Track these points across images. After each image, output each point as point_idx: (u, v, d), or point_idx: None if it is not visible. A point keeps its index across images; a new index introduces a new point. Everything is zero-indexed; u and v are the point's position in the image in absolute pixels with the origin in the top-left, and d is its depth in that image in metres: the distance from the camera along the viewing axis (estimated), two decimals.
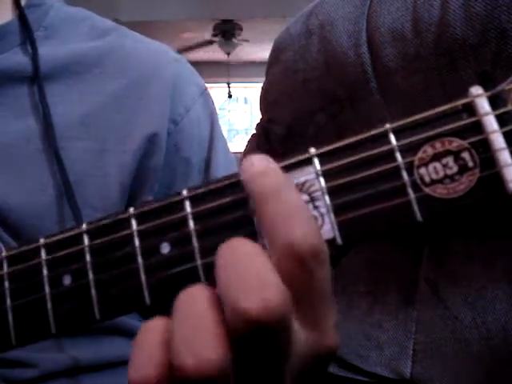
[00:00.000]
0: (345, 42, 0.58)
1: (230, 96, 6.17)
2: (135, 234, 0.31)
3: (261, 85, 0.74)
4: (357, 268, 0.62)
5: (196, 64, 0.66)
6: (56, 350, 0.53)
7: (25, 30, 0.57)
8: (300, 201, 0.28)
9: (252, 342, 0.26)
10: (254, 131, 0.78)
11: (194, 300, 0.27)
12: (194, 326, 0.26)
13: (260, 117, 0.75)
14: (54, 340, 0.53)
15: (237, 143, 6.08)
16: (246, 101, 6.61)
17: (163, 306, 0.31)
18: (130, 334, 0.57)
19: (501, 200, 0.27)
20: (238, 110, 6.60)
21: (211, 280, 0.28)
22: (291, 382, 0.28)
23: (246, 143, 0.81)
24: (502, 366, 0.50)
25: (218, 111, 0.68)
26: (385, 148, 0.29)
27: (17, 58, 0.56)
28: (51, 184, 0.53)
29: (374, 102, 0.56)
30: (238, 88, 6.34)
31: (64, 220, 0.53)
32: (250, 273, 0.26)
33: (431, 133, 0.29)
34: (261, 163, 0.29)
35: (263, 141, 0.73)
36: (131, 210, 0.31)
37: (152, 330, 0.28)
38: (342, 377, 0.59)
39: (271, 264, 0.27)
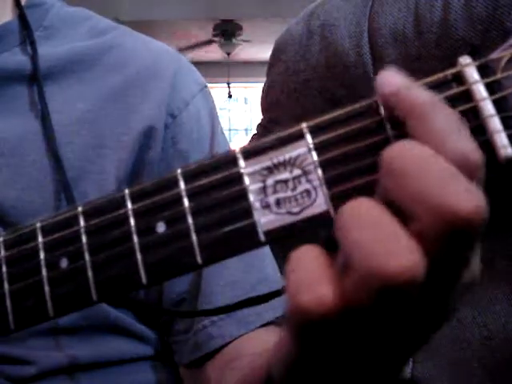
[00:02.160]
0: (346, 42, 0.58)
1: (230, 96, 6.17)
2: (130, 213, 0.31)
3: (261, 85, 0.74)
4: None
5: (196, 64, 0.65)
6: (54, 348, 0.53)
7: (25, 29, 0.57)
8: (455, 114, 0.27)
9: (452, 241, 0.25)
10: (255, 131, 0.78)
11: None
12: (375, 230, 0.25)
13: (261, 117, 0.75)
14: (52, 338, 0.53)
15: (237, 143, 6.08)
16: (245, 101, 6.61)
17: (159, 284, 0.31)
18: (127, 333, 0.57)
19: (493, 167, 0.27)
20: (237, 110, 6.60)
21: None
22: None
23: (245, 143, 0.81)
24: (502, 366, 0.50)
25: (217, 111, 0.68)
26: (375, 119, 0.29)
27: (17, 58, 0.56)
28: (49, 181, 0.53)
29: None
30: (238, 88, 6.34)
31: None
32: (444, 173, 0.25)
33: None
34: (400, 80, 0.29)
35: None
36: (126, 190, 0.31)
37: (310, 250, 0.27)
38: None
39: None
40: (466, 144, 0.26)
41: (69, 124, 0.55)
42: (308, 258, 0.27)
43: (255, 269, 0.57)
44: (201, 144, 0.60)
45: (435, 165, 0.25)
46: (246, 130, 6.43)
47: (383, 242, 0.25)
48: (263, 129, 0.74)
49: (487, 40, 0.47)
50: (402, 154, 0.26)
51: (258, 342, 0.53)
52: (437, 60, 0.50)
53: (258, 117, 0.76)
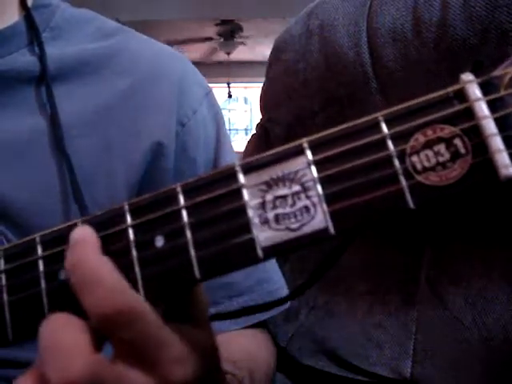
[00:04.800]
0: (345, 42, 0.58)
1: (229, 96, 6.17)
2: (129, 227, 0.31)
3: (261, 85, 0.74)
4: (358, 269, 0.62)
5: (196, 64, 0.65)
6: None
7: (32, 30, 0.57)
8: (98, 268, 0.30)
9: None
10: (254, 131, 0.78)
11: None
12: None
13: (260, 117, 0.75)
14: None
15: (237, 143, 6.08)
16: (245, 101, 6.61)
17: (158, 299, 0.31)
18: None
19: (493, 186, 0.27)
20: (237, 110, 6.60)
21: None
22: None
23: (246, 143, 0.81)
24: (502, 366, 0.50)
25: None
26: (376, 136, 0.29)
27: (25, 59, 0.56)
28: (58, 183, 0.53)
29: (374, 102, 0.56)
30: (238, 88, 6.34)
31: (71, 219, 0.53)
32: (57, 351, 0.29)
33: (423, 120, 0.28)
34: (76, 234, 0.31)
35: (263, 141, 0.73)
36: (125, 203, 0.32)
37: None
38: (342, 377, 0.59)
39: (82, 335, 0.29)
40: (95, 301, 0.29)
41: (77, 126, 0.55)
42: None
43: (256, 271, 0.57)
44: (207, 149, 0.60)
45: (51, 340, 0.29)
46: (246, 129, 6.44)
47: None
48: (262, 128, 0.74)
49: (486, 40, 0.46)
50: (44, 325, 0.30)
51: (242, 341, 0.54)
52: (435, 59, 0.50)
53: (257, 117, 0.76)
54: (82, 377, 0.28)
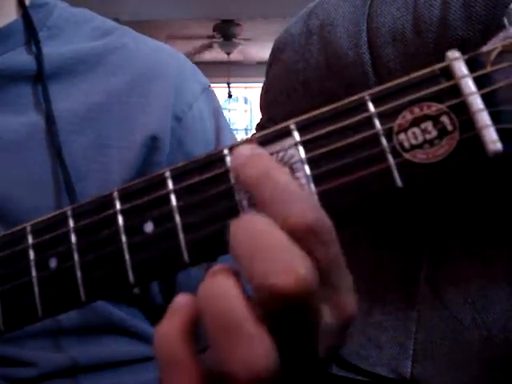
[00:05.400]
0: (345, 42, 0.58)
1: (230, 96, 6.17)
2: (118, 213, 0.31)
3: (261, 85, 0.74)
4: (357, 268, 0.62)
5: (196, 64, 0.66)
6: (55, 349, 0.53)
7: (29, 29, 0.58)
8: (290, 181, 0.28)
9: (285, 317, 0.25)
10: (254, 131, 0.78)
11: (222, 296, 0.26)
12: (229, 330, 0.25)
13: (260, 117, 0.75)
14: (52, 339, 0.53)
15: None
16: (246, 101, 6.61)
17: (146, 285, 0.31)
18: (129, 333, 0.57)
19: (482, 162, 0.27)
20: (238, 110, 6.60)
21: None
22: (323, 355, 0.28)
23: None
24: (502, 366, 0.50)
25: None
26: (363, 115, 0.29)
27: (21, 58, 0.57)
28: (52, 180, 0.53)
29: None
30: (238, 88, 6.34)
31: None
32: (273, 246, 0.25)
33: (409, 98, 0.28)
34: (245, 151, 0.29)
35: None
36: (115, 190, 0.32)
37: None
38: (342, 377, 0.59)
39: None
40: (298, 211, 0.26)
41: (73, 123, 0.55)
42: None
43: None
44: (206, 144, 0.60)
45: (260, 241, 0.26)
46: (246, 129, 6.44)
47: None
48: (262, 129, 0.74)
49: (486, 40, 0.46)
50: (246, 225, 0.26)
51: None
52: (436, 59, 0.50)
53: (257, 117, 0.76)
54: (305, 280, 0.25)
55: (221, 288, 0.26)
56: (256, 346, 0.25)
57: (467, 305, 0.52)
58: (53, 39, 0.59)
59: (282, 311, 0.25)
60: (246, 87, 6.41)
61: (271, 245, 0.25)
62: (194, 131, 0.59)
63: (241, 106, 6.62)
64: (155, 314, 0.58)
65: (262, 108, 0.74)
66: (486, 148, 0.27)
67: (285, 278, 0.24)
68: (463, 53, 0.28)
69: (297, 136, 0.30)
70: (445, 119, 0.28)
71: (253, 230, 0.26)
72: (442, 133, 0.28)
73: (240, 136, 6.45)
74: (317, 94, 0.62)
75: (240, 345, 0.24)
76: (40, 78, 0.55)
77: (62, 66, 0.57)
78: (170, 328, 0.27)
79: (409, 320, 0.55)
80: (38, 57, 0.56)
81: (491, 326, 0.50)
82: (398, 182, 0.28)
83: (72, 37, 0.60)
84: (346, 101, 0.30)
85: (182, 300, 0.28)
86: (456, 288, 0.53)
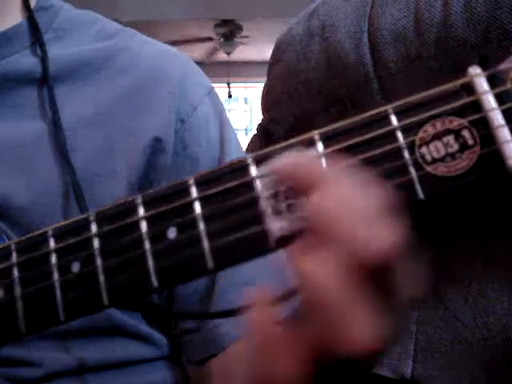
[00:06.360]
0: (346, 43, 0.58)
1: (230, 96, 6.17)
2: (142, 219, 0.31)
3: (261, 85, 0.74)
4: None
5: (196, 64, 0.66)
6: (61, 350, 0.53)
7: (34, 32, 0.58)
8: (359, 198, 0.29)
9: (381, 277, 0.28)
10: (254, 131, 0.78)
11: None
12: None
13: (261, 117, 0.75)
14: (59, 340, 0.53)
15: None
16: (245, 101, 6.61)
17: (170, 289, 0.31)
18: (135, 335, 0.57)
19: (501, 177, 0.28)
20: (238, 110, 6.60)
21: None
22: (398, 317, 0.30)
23: (245, 143, 0.81)
24: (502, 366, 0.50)
25: None
26: (386, 129, 0.29)
27: (26, 60, 0.57)
28: (60, 184, 0.53)
29: (375, 103, 0.57)
30: (238, 88, 6.34)
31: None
32: (371, 216, 0.27)
33: (431, 112, 0.29)
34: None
35: (264, 141, 0.73)
36: (139, 195, 0.32)
37: None
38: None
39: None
40: (357, 239, 0.28)
41: (79, 127, 0.55)
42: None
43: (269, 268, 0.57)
44: (211, 148, 0.60)
45: (349, 211, 0.28)
46: (246, 130, 6.43)
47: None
48: (263, 129, 0.74)
49: (487, 41, 0.47)
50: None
51: None
52: (436, 60, 0.50)
53: (258, 117, 0.76)
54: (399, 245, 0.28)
55: None
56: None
57: (467, 305, 0.52)
58: (58, 41, 0.59)
59: (379, 273, 0.27)
60: (245, 87, 6.41)
61: (370, 214, 0.27)
62: (198, 134, 0.59)
63: (241, 106, 6.62)
64: (155, 317, 0.58)
65: (264, 108, 0.74)
66: (505, 163, 0.28)
67: (376, 248, 0.27)
68: (483, 69, 0.29)
69: (321, 147, 0.30)
70: (466, 134, 0.29)
71: (348, 202, 0.28)
72: (463, 147, 0.29)
73: (240, 136, 6.45)
74: (318, 95, 0.62)
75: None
76: (45, 80, 0.55)
77: (67, 68, 0.57)
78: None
79: (409, 320, 0.55)
80: (44, 59, 0.56)
81: (491, 326, 0.50)
82: (420, 194, 0.29)
83: (78, 39, 0.60)
84: (369, 113, 0.30)
85: None
86: (456, 288, 0.53)
